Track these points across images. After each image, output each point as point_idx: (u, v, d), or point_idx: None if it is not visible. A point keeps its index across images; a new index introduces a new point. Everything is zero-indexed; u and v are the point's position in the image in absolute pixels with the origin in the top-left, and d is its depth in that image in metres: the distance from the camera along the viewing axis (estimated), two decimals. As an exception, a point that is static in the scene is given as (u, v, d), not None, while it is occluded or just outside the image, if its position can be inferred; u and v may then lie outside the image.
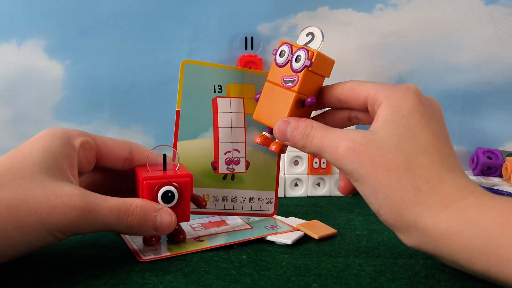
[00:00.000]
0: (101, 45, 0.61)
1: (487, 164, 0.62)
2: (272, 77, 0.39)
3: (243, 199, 0.45)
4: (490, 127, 0.63)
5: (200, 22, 0.60)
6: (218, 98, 0.43)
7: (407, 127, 0.33)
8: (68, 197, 0.32)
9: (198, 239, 0.41)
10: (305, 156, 0.59)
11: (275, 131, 0.38)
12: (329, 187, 0.60)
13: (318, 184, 0.61)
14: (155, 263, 0.36)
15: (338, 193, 0.61)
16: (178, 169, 0.40)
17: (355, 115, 0.40)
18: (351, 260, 0.38)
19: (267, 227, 0.44)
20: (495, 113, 0.63)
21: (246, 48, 0.60)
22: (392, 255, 0.39)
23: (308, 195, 0.60)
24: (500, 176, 0.62)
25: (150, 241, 0.39)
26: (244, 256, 0.38)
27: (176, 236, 0.40)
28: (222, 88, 0.43)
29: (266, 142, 0.40)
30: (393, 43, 0.62)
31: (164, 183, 0.38)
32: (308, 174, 0.60)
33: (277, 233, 0.43)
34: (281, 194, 0.59)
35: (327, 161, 0.59)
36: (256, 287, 0.33)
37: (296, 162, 0.60)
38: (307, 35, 0.39)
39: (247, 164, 0.45)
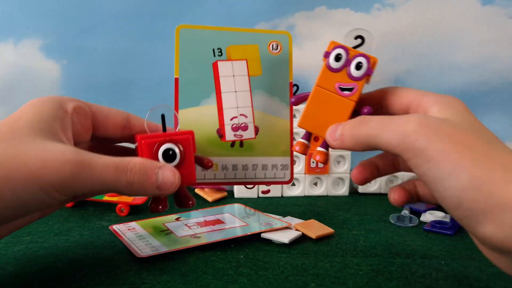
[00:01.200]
0: (98, 44, 0.61)
1: (484, 164, 0.62)
2: (324, 82, 0.36)
3: (255, 166, 0.43)
4: (487, 127, 0.63)
5: (197, 22, 0.60)
6: (218, 62, 0.41)
7: (470, 119, 0.31)
8: (60, 152, 0.31)
9: (195, 236, 0.41)
10: (302, 155, 0.59)
11: (326, 135, 0.35)
12: (326, 187, 0.60)
13: (315, 184, 0.61)
14: (152, 263, 0.36)
15: (335, 193, 0.61)
16: (178, 130, 0.38)
17: None
18: (349, 260, 0.38)
19: (263, 224, 0.44)
20: (492, 113, 0.63)
21: (243, 48, 0.60)
22: (389, 255, 0.39)
23: (305, 194, 0.60)
24: (497, 176, 0.62)
25: (156, 208, 0.37)
26: (241, 256, 0.38)
27: (184, 202, 0.38)
28: (222, 51, 0.41)
29: (306, 150, 0.38)
30: (390, 43, 0.62)
31: (165, 141, 0.36)
32: (305, 173, 0.60)
33: (272, 229, 0.43)
34: (278, 193, 0.59)
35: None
36: (253, 287, 0.33)
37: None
38: (356, 38, 0.35)
39: (256, 130, 0.42)
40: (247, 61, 0.42)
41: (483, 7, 0.61)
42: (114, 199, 0.50)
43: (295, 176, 0.59)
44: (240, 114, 0.42)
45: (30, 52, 0.61)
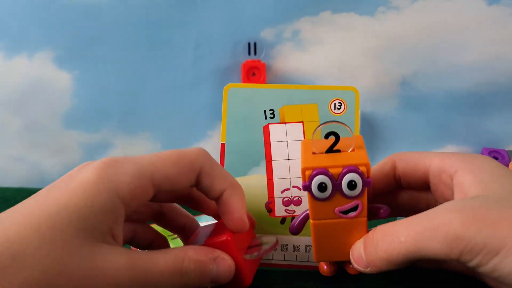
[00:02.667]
0: (108, 54, 0.62)
1: (494, 165, 0.61)
2: (319, 214, 0.30)
3: (307, 248, 0.36)
4: (496, 127, 0.63)
5: (203, 29, 0.61)
6: (270, 125, 0.36)
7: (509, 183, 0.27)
8: (113, 270, 0.25)
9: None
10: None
11: (354, 264, 0.30)
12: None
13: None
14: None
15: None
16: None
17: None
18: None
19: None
20: (500, 113, 0.62)
21: (249, 54, 0.60)
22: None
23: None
24: (507, 176, 0.61)
25: None
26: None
27: None
28: (275, 113, 0.36)
29: (335, 267, 0.33)
30: (396, 45, 0.62)
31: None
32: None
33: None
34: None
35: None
36: (255, 289, 0.33)
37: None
38: (327, 136, 0.29)
39: None
40: (303, 124, 0.36)
41: (489, 7, 0.60)
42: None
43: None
44: (293, 186, 0.36)
45: (43, 64, 0.62)
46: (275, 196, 0.35)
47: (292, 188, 0.35)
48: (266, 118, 0.36)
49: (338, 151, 0.30)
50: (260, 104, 0.36)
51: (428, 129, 0.64)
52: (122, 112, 0.64)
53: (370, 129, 0.63)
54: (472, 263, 0.25)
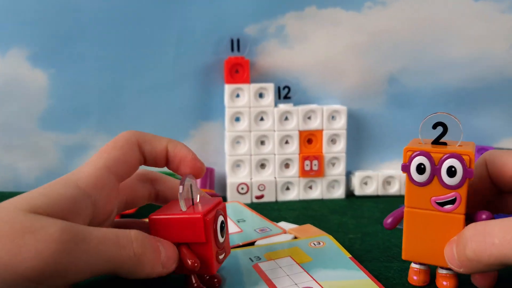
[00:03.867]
0: (86, 52, 0.60)
1: (482, 162, 0.61)
2: (413, 201, 0.30)
3: None
4: (484, 124, 0.62)
5: (185, 25, 0.59)
6: (259, 264, 0.36)
7: None
8: (44, 229, 0.24)
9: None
10: (295, 158, 0.58)
11: (448, 262, 0.29)
12: (321, 190, 0.59)
13: (310, 187, 0.59)
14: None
15: (331, 196, 0.59)
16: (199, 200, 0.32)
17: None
18: (343, 265, 0.37)
19: (257, 230, 0.43)
20: (488, 109, 0.62)
21: (232, 50, 0.59)
22: (386, 258, 0.38)
23: (300, 198, 0.59)
24: (496, 173, 0.61)
25: None
26: (232, 265, 0.37)
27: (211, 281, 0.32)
28: (260, 257, 0.37)
29: (425, 278, 0.31)
30: (383, 41, 0.61)
31: (218, 213, 0.30)
32: (299, 177, 0.58)
33: (267, 236, 0.42)
34: (272, 198, 0.58)
35: (318, 163, 0.58)
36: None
37: (287, 165, 0.59)
38: (435, 127, 0.30)
39: None
40: (291, 256, 0.37)
41: (476, 3, 0.59)
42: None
43: (289, 179, 0.58)
44: None
45: (17, 62, 0.60)
46: None
47: None
48: (252, 261, 0.37)
49: (445, 144, 0.30)
50: (246, 254, 0.38)
51: (415, 126, 0.61)
52: (102, 111, 0.61)
53: (357, 126, 0.62)
54: None
